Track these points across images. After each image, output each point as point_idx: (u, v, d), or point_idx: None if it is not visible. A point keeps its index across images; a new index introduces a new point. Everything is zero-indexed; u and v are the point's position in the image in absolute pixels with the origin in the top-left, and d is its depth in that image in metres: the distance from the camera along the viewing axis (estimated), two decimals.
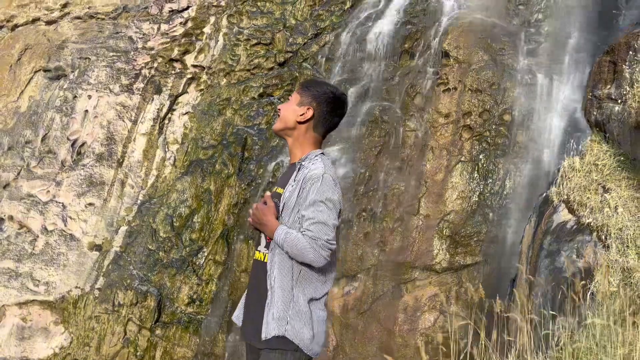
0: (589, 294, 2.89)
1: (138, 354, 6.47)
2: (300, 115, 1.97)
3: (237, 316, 2.03)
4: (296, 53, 7.52)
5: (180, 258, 6.93)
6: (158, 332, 6.57)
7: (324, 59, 7.35)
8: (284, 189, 1.95)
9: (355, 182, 6.57)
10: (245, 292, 2.01)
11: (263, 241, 1.95)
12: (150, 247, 6.99)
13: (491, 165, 6.10)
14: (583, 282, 3.12)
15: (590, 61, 5.39)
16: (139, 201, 7.12)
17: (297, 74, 7.47)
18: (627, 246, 3.09)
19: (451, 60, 6.44)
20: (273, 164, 7.12)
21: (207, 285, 6.78)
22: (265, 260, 1.89)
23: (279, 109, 2.04)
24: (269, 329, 1.78)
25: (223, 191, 7.20)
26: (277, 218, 1.89)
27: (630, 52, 4.12)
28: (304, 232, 1.78)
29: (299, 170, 1.94)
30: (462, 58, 6.41)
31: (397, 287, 5.28)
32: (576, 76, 5.71)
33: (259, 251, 1.98)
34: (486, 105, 6.32)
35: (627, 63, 4.10)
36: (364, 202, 6.46)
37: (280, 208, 1.90)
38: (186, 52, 7.36)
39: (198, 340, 6.47)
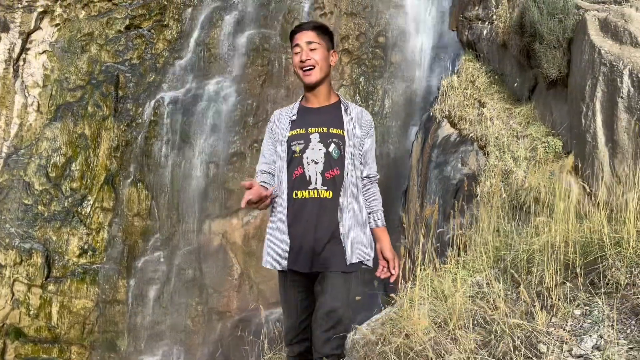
0: (477, 197, 3.33)
1: (32, 312, 6.15)
2: (332, 60, 2.11)
3: (280, 254, 2.08)
4: None
5: (63, 209, 6.52)
6: (51, 287, 6.25)
7: None
8: (339, 129, 2.06)
9: (243, 113, 6.56)
10: (290, 228, 2.06)
11: (319, 179, 2.05)
12: (26, 202, 6.45)
13: (370, 87, 6.44)
14: (469, 186, 3.58)
15: None
16: (3, 154, 6.46)
17: (165, 2, 7.03)
18: (503, 152, 3.59)
19: None
20: (153, 101, 6.80)
21: (97, 234, 6.51)
22: (329, 197, 2.03)
23: (310, 59, 2.05)
24: (353, 256, 2.01)
25: (100, 135, 6.77)
26: (336, 156, 2.05)
27: None
28: (375, 177, 2.13)
29: (346, 111, 2.09)
30: None
31: None
32: None
33: (316, 189, 2.06)
34: (362, 28, 6.54)
35: None
36: (255, 134, 6.51)
37: (347, 147, 2.04)
38: None
39: (97, 289, 6.29)
